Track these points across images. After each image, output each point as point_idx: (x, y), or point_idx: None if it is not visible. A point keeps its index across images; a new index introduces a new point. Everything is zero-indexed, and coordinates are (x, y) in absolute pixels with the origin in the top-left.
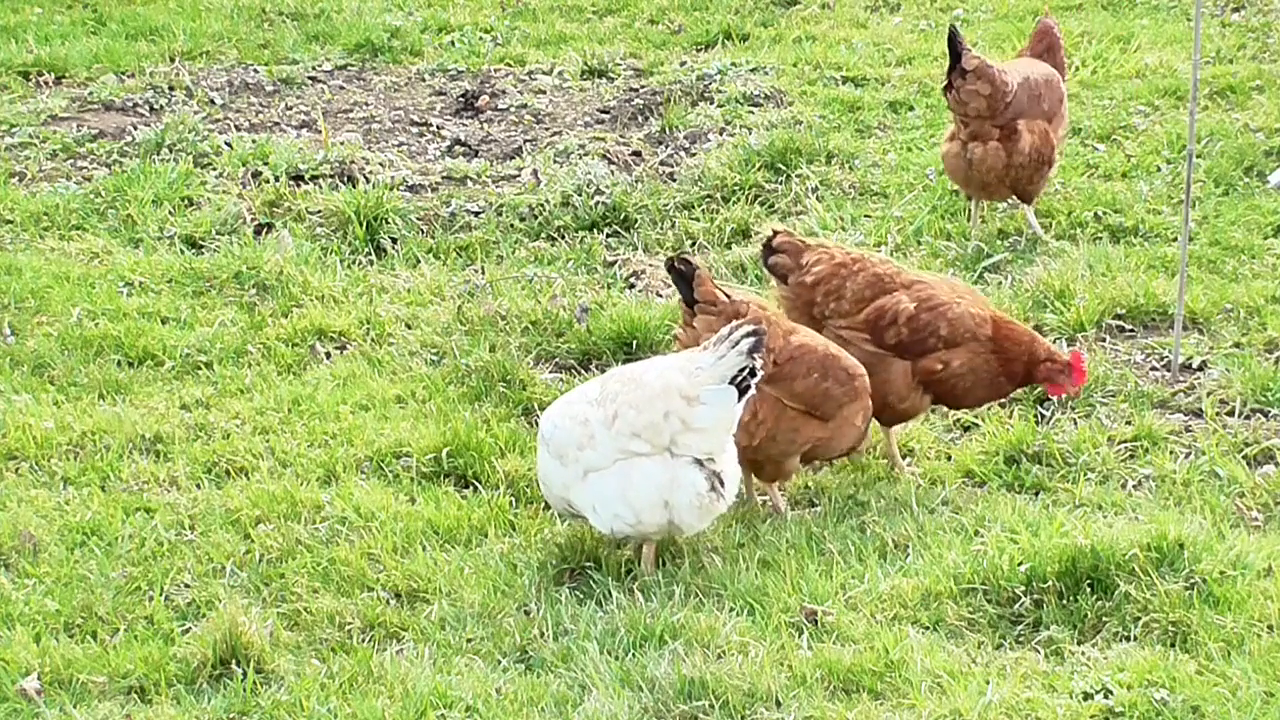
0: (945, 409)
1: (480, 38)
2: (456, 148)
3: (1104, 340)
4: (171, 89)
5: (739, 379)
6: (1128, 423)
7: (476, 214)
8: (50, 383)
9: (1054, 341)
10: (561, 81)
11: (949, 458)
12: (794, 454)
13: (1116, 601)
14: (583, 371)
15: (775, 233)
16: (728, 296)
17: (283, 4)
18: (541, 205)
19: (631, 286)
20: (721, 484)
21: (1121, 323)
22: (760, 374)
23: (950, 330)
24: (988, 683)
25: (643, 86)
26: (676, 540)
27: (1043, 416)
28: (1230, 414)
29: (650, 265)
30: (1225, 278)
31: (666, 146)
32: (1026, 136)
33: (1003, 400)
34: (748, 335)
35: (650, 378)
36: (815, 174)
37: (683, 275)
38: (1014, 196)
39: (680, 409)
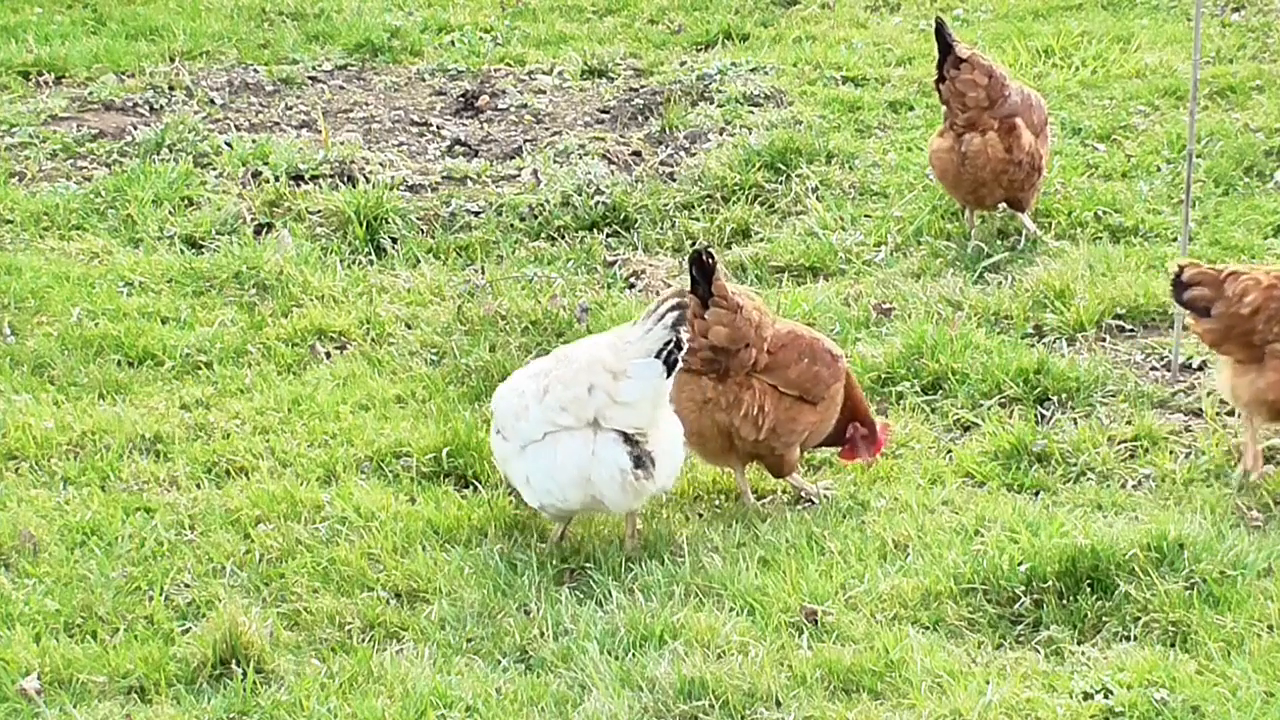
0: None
1: (480, 38)
2: (456, 148)
3: (1104, 340)
4: (171, 89)
5: (665, 353)
6: (1128, 423)
7: (476, 214)
8: (50, 383)
9: (1053, 341)
10: (561, 81)
11: (949, 454)
12: (795, 444)
13: (1116, 601)
14: None
15: (1181, 267)
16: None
17: (283, 4)
18: (541, 205)
19: (631, 286)
20: (652, 463)
21: (1121, 323)
22: (685, 347)
23: None
24: (988, 683)
25: (643, 86)
26: (675, 538)
27: (1043, 416)
28: (1230, 414)
29: (650, 265)
30: None
31: (666, 146)
32: (1026, 135)
33: None
34: (672, 309)
35: (579, 353)
36: (815, 174)
37: (706, 270)
38: (1004, 204)
39: (606, 383)
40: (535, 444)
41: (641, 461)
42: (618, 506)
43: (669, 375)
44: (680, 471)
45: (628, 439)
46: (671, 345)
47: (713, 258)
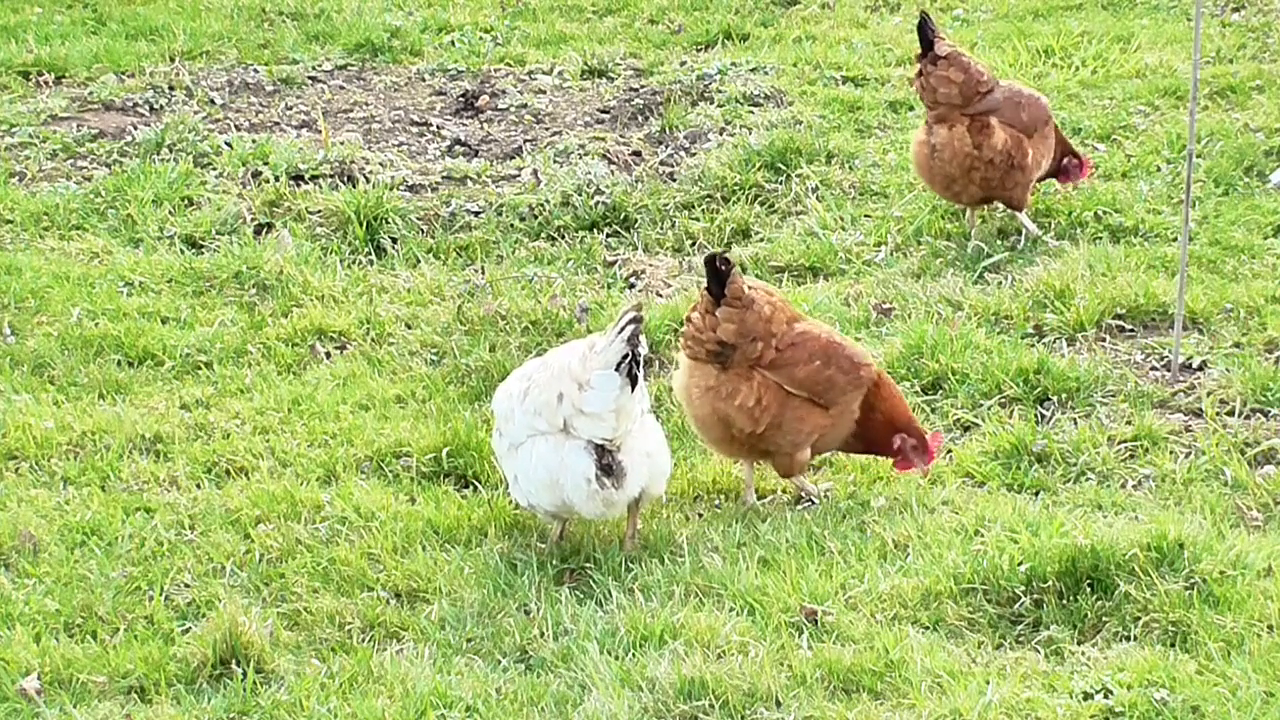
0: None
1: (480, 38)
2: (456, 148)
3: (1104, 340)
4: (171, 89)
5: (624, 366)
6: (1128, 423)
7: (476, 214)
8: (50, 383)
9: (1053, 341)
10: (561, 81)
11: (949, 454)
12: (803, 444)
13: (1116, 601)
14: None
15: None
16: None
17: (283, 4)
18: (541, 205)
19: (631, 286)
20: (622, 473)
21: (1121, 323)
22: (643, 362)
23: None
24: (988, 683)
25: (643, 86)
26: (675, 538)
27: (1043, 416)
28: (1230, 414)
29: (650, 265)
30: (1225, 278)
31: (666, 146)
32: (1000, 134)
33: None
34: (630, 322)
35: (555, 359)
36: (815, 174)
37: (719, 274)
38: (1001, 204)
39: (572, 392)
40: (521, 445)
41: (610, 470)
42: (588, 514)
43: (632, 389)
44: (667, 480)
45: (598, 448)
46: (629, 359)
47: (728, 264)
